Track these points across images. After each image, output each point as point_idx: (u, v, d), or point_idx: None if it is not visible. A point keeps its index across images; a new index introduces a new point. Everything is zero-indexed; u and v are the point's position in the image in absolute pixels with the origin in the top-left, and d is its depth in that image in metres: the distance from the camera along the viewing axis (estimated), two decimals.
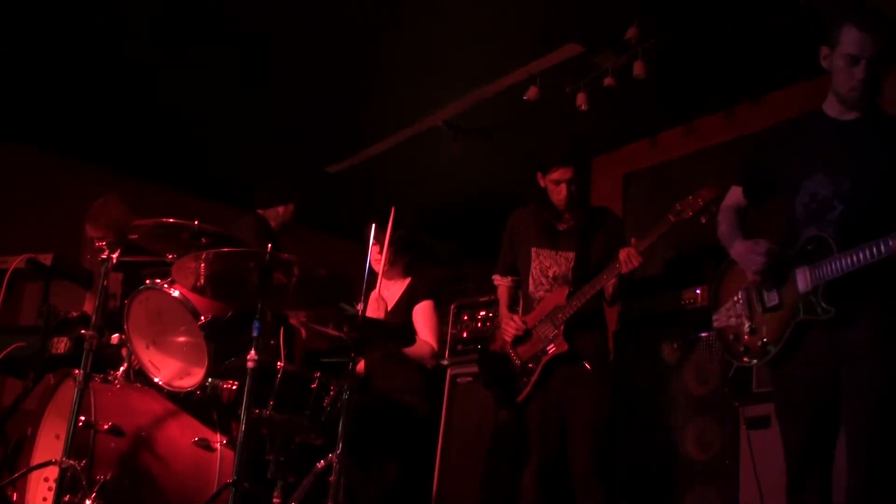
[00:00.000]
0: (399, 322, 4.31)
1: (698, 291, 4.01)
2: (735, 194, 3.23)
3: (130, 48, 5.33)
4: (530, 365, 3.87)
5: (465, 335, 5.22)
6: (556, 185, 3.89)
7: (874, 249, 2.68)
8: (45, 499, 3.48)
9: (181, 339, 3.64)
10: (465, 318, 5.26)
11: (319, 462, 3.30)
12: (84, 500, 3.14)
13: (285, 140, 6.43)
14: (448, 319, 5.28)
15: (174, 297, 3.49)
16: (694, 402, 4.14)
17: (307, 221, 7.00)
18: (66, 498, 3.14)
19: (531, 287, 3.99)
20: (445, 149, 6.12)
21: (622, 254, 3.63)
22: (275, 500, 3.39)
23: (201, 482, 3.46)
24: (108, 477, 3.25)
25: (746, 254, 3.00)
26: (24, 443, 3.64)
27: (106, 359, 3.69)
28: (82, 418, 3.24)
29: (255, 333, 3.10)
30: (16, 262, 4.55)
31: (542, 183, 3.95)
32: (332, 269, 3.25)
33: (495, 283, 4.24)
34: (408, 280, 4.47)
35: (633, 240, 3.65)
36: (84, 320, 4.12)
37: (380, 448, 4.11)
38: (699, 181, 3.57)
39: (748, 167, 3.21)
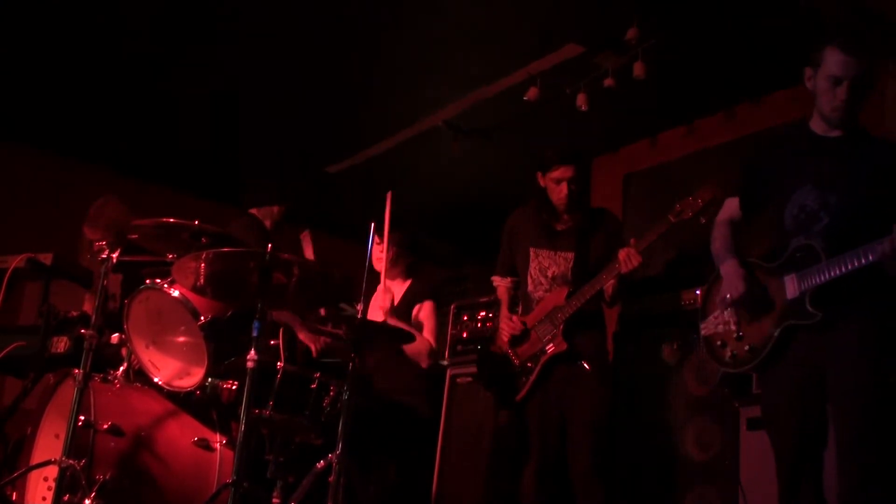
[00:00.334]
0: (400, 322, 4.31)
1: (698, 292, 3.97)
2: (730, 207, 3.29)
3: (130, 48, 5.33)
4: (529, 364, 3.87)
5: (464, 335, 5.21)
6: (557, 183, 3.89)
7: (861, 256, 2.76)
8: (44, 498, 3.48)
9: (181, 338, 3.64)
10: (465, 318, 5.25)
11: (319, 462, 3.30)
12: (83, 500, 3.14)
13: (285, 140, 6.42)
14: (448, 320, 5.28)
15: (174, 297, 3.50)
16: (694, 403, 4.14)
17: (307, 221, 7.01)
18: (66, 497, 3.14)
19: (530, 287, 3.99)
20: (445, 149, 6.12)
21: (621, 254, 3.63)
22: (274, 501, 3.39)
23: (201, 482, 3.46)
24: (107, 477, 3.25)
25: (733, 277, 3.08)
26: (24, 442, 3.64)
27: (106, 358, 3.69)
28: (82, 418, 3.24)
29: (254, 333, 3.10)
30: (16, 261, 4.55)
31: (541, 182, 3.95)
32: (331, 269, 3.25)
33: (494, 283, 4.24)
34: (409, 282, 4.47)
35: (632, 240, 3.65)
36: (84, 320, 4.12)
37: (379, 448, 4.11)
38: (699, 181, 3.57)
39: (745, 180, 3.27)
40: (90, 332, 3.32)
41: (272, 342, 3.69)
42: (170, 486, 3.42)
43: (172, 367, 3.61)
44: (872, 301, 2.87)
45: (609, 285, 3.77)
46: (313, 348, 4.04)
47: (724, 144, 5.52)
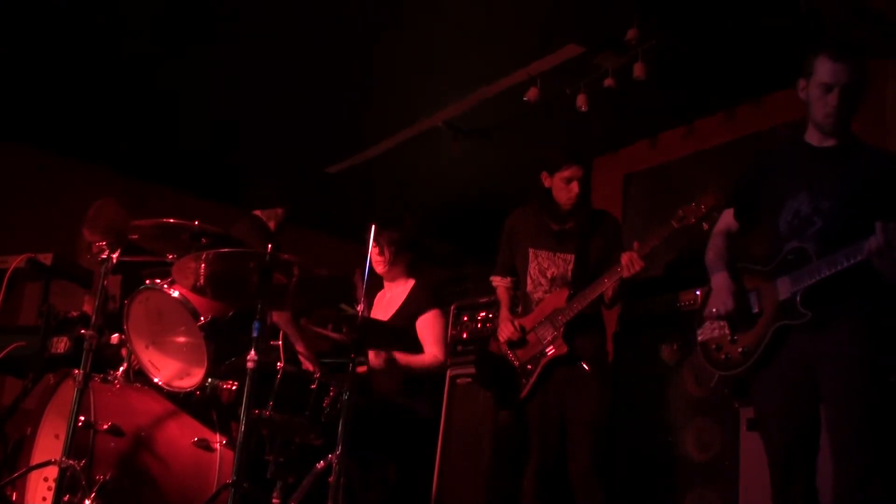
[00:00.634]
0: (400, 325, 4.30)
1: (698, 293, 3.98)
2: (727, 218, 3.34)
3: (130, 48, 5.33)
4: (529, 366, 3.87)
5: (464, 336, 5.21)
6: (567, 183, 3.88)
7: (849, 256, 2.80)
8: (44, 498, 3.48)
9: (181, 339, 3.64)
10: (465, 318, 5.25)
11: (319, 463, 3.30)
12: (83, 500, 3.14)
13: (285, 140, 6.42)
14: (448, 320, 5.27)
15: (174, 298, 3.50)
16: (694, 403, 4.14)
17: (307, 222, 7.03)
18: (66, 498, 3.14)
19: (529, 287, 3.99)
20: (445, 149, 6.12)
21: (624, 258, 3.62)
22: (274, 501, 3.38)
23: (201, 482, 3.46)
24: (107, 477, 3.25)
25: (722, 290, 3.12)
26: (24, 442, 3.64)
27: (105, 359, 3.69)
28: (82, 418, 3.24)
29: (254, 334, 3.10)
30: (16, 261, 4.55)
31: (546, 182, 3.94)
32: (331, 269, 3.25)
33: (494, 283, 4.24)
34: (411, 283, 4.45)
35: (635, 244, 3.64)
36: (84, 320, 4.12)
37: (379, 449, 4.11)
38: (699, 182, 3.60)
39: (739, 190, 3.31)
40: (90, 332, 3.32)
41: (272, 342, 3.69)
42: (170, 486, 3.42)
43: (172, 367, 3.61)
44: (864, 301, 2.90)
45: (609, 288, 3.77)
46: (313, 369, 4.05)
47: (724, 145, 5.52)
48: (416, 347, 4.23)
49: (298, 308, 3.79)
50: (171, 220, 3.39)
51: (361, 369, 4.15)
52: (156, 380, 3.57)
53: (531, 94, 5.20)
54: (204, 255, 3.11)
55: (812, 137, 3.13)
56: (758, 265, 3.13)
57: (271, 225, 4.71)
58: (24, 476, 3.47)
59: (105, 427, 3.32)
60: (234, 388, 3.44)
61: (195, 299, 3.47)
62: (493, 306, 4.91)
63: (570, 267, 3.91)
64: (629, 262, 3.61)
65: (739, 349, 3.07)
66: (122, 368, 3.65)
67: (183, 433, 3.56)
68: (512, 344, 3.94)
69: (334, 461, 3.23)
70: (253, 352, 3.07)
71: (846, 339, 2.86)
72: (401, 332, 4.16)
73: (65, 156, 6.78)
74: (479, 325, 5.17)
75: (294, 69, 5.46)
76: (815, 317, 2.88)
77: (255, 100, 5.88)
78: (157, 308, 3.63)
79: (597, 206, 4.21)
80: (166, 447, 3.47)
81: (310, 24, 5.00)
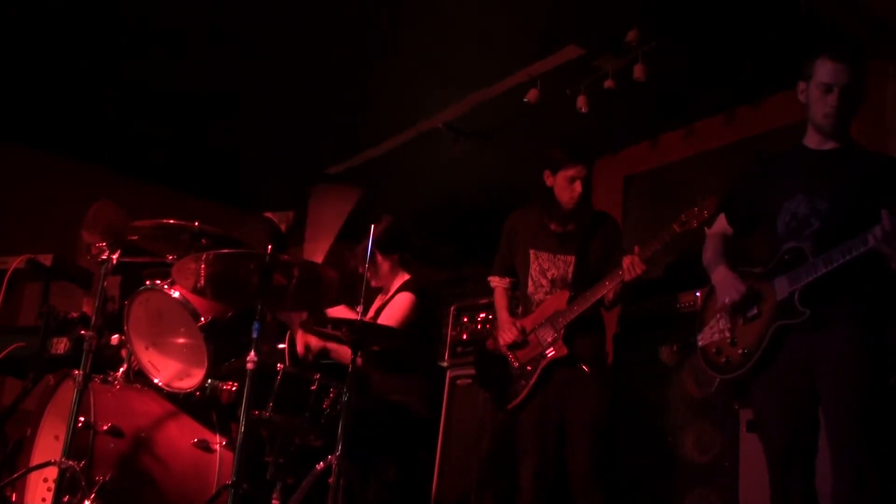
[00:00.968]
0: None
1: (697, 294, 4.00)
2: (722, 222, 3.36)
3: (130, 49, 5.33)
4: (529, 368, 3.87)
5: (464, 337, 5.21)
6: (571, 182, 3.87)
7: (846, 251, 2.81)
8: (44, 499, 3.48)
9: (181, 340, 3.64)
10: (465, 320, 5.25)
11: (319, 463, 3.30)
12: (83, 501, 3.14)
13: (285, 141, 6.43)
14: (447, 321, 5.28)
15: (174, 298, 3.50)
16: (693, 405, 4.14)
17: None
18: (66, 498, 3.14)
19: (530, 288, 3.99)
20: (445, 151, 6.12)
21: (625, 261, 3.62)
22: (274, 502, 3.39)
23: (200, 483, 3.46)
24: (107, 478, 3.25)
25: (727, 282, 3.14)
26: (24, 443, 3.65)
27: (105, 359, 3.69)
28: (82, 419, 3.25)
29: (254, 335, 3.10)
30: (16, 262, 4.55)
31: (549, 181, 3.94)
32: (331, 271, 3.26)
33: (492, 284, 4.24)
34: (404, 278, 4.44)
35: (636, 247, 3.63)
36: (84, 321, 4.12)
37: (379, 449, 4.11)
38: (699, 184, 3.60)
39: (731, 195, 3.33)
40: (90, 333, 3.32)
41: (280, 346, 3.70)
42: (169, 487, 3.42)
43: (172, 368, 3.61)
44: (862, 301, 2.91)
45: (610, 290, 3.77)
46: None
47: (723, 147, 5.52)
48: (414, 345, 4.21)
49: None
50: (172, 221, 3.39)
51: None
52: (156, 381, 3.57)
53: (531, 95, 5.20)
54: (204, 256, 3.11)
55: (810, 140, 3.14)
56: (756, 267, 3.13)
57: (282, 227, 4.73)
58: (23, 477, 3.47)
59: (105, 428, 3.33)
60: (233, 389, 3.45)
61: (195, 300, 3.48)
62: (493, 308, 4.91)
63: (571, 269, 3.91)
64: (630, 266, 3.60)
65: (740, 351, 3.07)
66: (121, 369, 3.65)
67: (183, 434, 3.56)
68: (512, 345, 3.94)
69: (334, 462, 3.23)
70: (253, 353, 3.07)
71: (845, 341, 2.86)
72: (399, 332, 4.16)
73: (65, 157, 6.78)
74: (478, 327, 5.17)
75: (294, 70, 5.46)
76: (814, 315, 2.88)
77: (255, 101, 5.88)
78: (158, 309, 3.63)
79: (597, 207, 4.21)
80: (166, 448, 3.47)
81: (310, 25, 5.00)
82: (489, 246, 4.36)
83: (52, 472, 3.27)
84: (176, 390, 3.56)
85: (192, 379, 3.54)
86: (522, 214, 4.13)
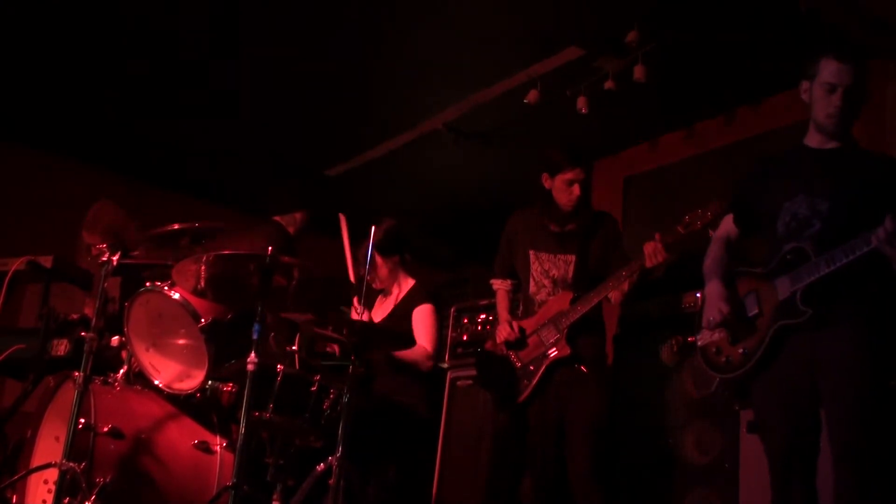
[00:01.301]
0: (397, 324, 4.30)
1: (698, 295, 4.00)
2: (727, 224, 3.33)
3: (131, 50, 5.34)
4: (531, 367, 3.87)
5: (464, 338, 5.21)
6: (569, 185, 3.89)
7: (848, 251, 2.80)
8: (44, 501, 3.48)
9: (181, 341, 3.64)
10: (465, 321, 5.25)
11: (319, 465, 3.29)
12: (83, 503, 3.14)
13: (285, 143, 6.43)
14: (448, 323, 5.28)
15: (174, 300, 3.50)
16: (693, 405, 4.13)
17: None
18: (66, 500, 3.14)
19: (532, 289, 3.99)
20: (446, 152, 6.13)
21: (647, 248, 3.62)
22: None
23: (201, 485, 3.46)
24: (107, 479, 3.25)
25: (714, 298, 3.11)
26: (24, 445, 3.64)
27: (106, 361, 3.69)
28: (82, 420, 3.24)
29: (254, 336, 3.10)
30: (16, 263, 4.55)
31: (547, 184, 3.95)
32: (331, 272, 3.26)
33: (494, 287, 4.24)
34: (410, 283, 4.46)
35: (657, 234, 3.64)
36: (84, 322, 4.12)
37: (380, 451, 4.11)
38: (699, 185, 3.59)
39: (738, 195, 3.31)
40: (90, 334, 3.32)
41: (289, 348, 3.70)
42: (170, 488, 3.42)
43: (173, 369, 3.61)
44: (864, 302, 2.90)
45: (624, 286, 3.77)
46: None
47: (724, 147, 5.52)
48: (411, 345, 4.22)
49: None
50: (176, 226, 3.40)
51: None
52: (156, 382, 3.57)
53: (531, 96, 5.21)
54: (204, 258, 3.11)
55: (812, 140, 3.13)
56: (757, 268, 3.13)
57: (290, 230, 4.74)
58: (24, 479, 3.47)
59: (105, 429, 3.32)
60: (234, 390, 3.45)
61: (195, 301, 3.48)
62: (494, 309, 4.91)
63: (571, 268, 3.92)
64: (653, 252, 3.61)
65: (740, 350, 3.06)
66: (122, 371, 3.65)
67: (183, 435, 3.55)
68: (513, 345, 3.94)
69: (334, 463, 3.23)
70: (253, 354, 3.07)
71: (847, 341, 2.85)
72: (398, 334, 4.16)
73: (65, 157, 6.78)
74: (479, 328, 5.17)
75: (294, 72, 5.47)
76: (816, 315, 2.87)
77: (255, 102, 5.89)
78: (158, 310, 3.63)
79: (597, 208, 4.21)
80: (166, 449, 3.47)
81: (310, 27, 5.00)
82: (489, 247, 4.36)
83: (52, 474, 3.27)
84: (176, 392, 3.56)
85: (192, 380, 3.54)
86: (522, 216, 4.13)
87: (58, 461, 3.16)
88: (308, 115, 5.97)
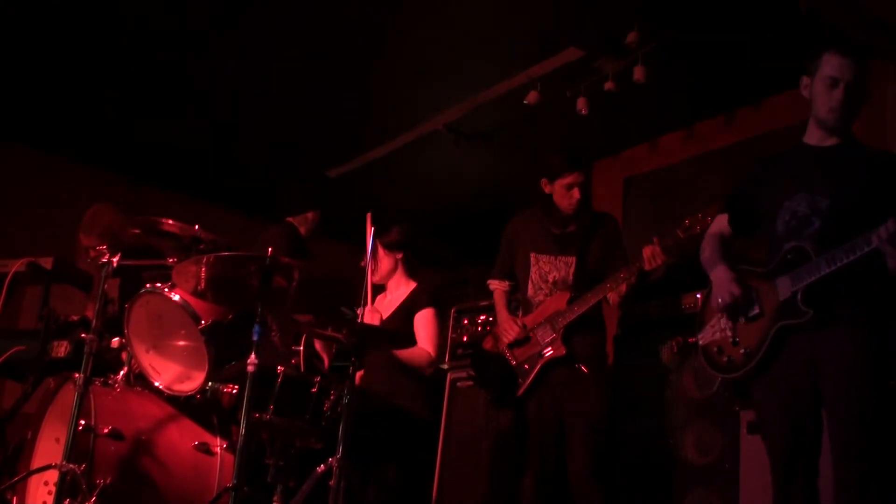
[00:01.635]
0: (398, 327, 4.30)
1: (698, 296, 4.00)
2: (720, 222, 3.33)
3: (131, 51, 5.33)
4: (526, 366, 3.88)
5: (465, 339, 5.21)
6: (568, 189, 3.89)
7: (849, 251, 2.79)
8: (44, 502, 3.47)
9: (181, 342, 3.64)
10: (465, 322, 5.25)
11: (319, 466, 3.29)
12: None
13: (285, 143, 6.43)
14: (448, 323, 5.28)
15: (175, 301, 3.50)
16: (694, 406, 4.13)
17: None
18: (66, 502, 3.14)
19: (530, 291, 3.99)
20: (446, 152, 6.12)
21: (646, 251, 3.63)
22: None
23: (201, 486, 3.46)
24: (107, 481, 3.25)
25: (724, 282, 3.09)
26: (24, 446, 3.64)
27: (106, 362, 3.69)
28: (82, 422, 3.25)
29: (255, 337, 3.10)
30: (16, 265, 4.56)
31: (547, 190, 3.95)
32: (331, 273, 3.26)
33: (491, 287, 4.25)
34: (412, 285, 4.45)
35: (655, 238, 3.64)
36: (84, 324, 4.12)
37: (380, 452, 4.11)
38: (699, 185, 3.59)
39: (734, 196, 3.31)
40: (90, 336, 3.32)
41: (294, 347, 3.70)
42: (170, 490, 3.42)
43: (173, 371, 3.61)
44: (865, 302, 2.89)
45: (622, 289, 3.77)
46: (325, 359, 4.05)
47: (724, 148, 5.52)
48: (411, 345, 4.21)
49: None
50: (174, 226, 3.40)
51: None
52: (156, 383, 3.57)
53: (531, 97, 5.20)
54: (204, 259, 3.11)
55: (811, 137, 3.12)
56: (757, 267, 3.12)
57: (302, 230, 4.74)
58: (24, 480, 3.47)
59: (105, 431, 3.32)
60: (234, 391, 3.45)
61: (196, 303, 3.48)
62: (493, 310, 4.92)
63: (572, 269, 3.92)
64: (651, 256, 3.61)
65: (741, 350, 3.05)
66: (122, 372, 3.65)
67: (183, 437, 3.55)
68: (511, 344, 3.94)
69: (334, 465, 3.22)
70: (253, 355, 3.07)
71: (847, 342, 2.85)
72: (399, 335, 4.16)
73: (65, 158, 6.77)
74: (478, 329, 5.17)
75: (295, 72, 5.46)
76: (817, 316, 2.86)
77: (256, 103, 5.88)
78: (158, 312, 3.63)
79: (597, 209, 4.21)
80: (167, 451, 3.47)
81: (310, 27, 5.00)
82: (489, 247, 4.36)
83: (52, 476, 3.27)
84: (177, 393, 3.56)
85: (192, 382, 3.54)
86: (523, 218, 4.14)
87: (58, 463, 3.17)
88: (308, 115, 5.97)
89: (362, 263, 4.18)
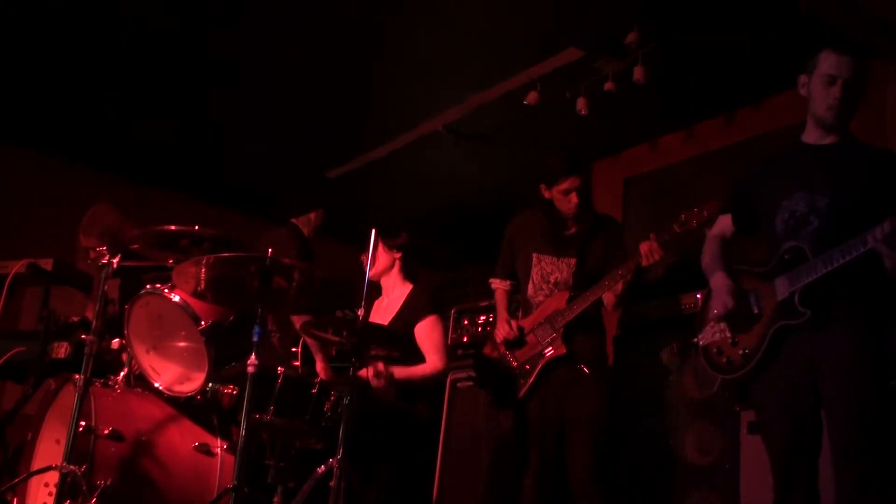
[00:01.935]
0: (398, 330, 4.30)
1: (698, 296, 4.00)
2: (723, 223, 3.34)
3: (131, 51, 5.33)
4: (527, 366, 3.88)
5: (465, 340, 5.21)
6: (566, 194, 3.89)
7: (846, 252, 2.79)
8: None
9: (182, 343, 3.64)
10: (466, 322, 5.25)
11: (320, 467, 3.29)
12: None
13: (285, 144, 6.42)
14: (448, 324, 5.28)
15: (175, 302, 3.50)
16: (694, 406, 4.14)
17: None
18: (67, 503, 3.14)
19: (531, 292, 3.99)
20: (446, 153, 6.12)
21: (643, 247, 3.63)
22: None
23: (201, 487, 3.46)
24: (108, 482, 3.25)
25: (721, 290, 3.11)
26: (25, 448, 3.64)
27: (106, 363, 3.69)
28: (82, 423, 3.24)
29: (255, 338, 3.10)
30: (16, 266, 4.56)
31: (546, 194, 3.95)
32: (331, 273, 3.25)
33: (493, 286, 4.25)
34: (408, 288, 4.44)
35: (652, 234, 3.64)
36: (84, 325, 4.12)
37: (380, 452, 4.11)
38: (699, 185, 3.59)
39: (736, 196, 3.31)
40: (91, 337, 3.32)
41: (293, 349, 3.70)
42: (170, 491, 3.42)
43: (173, 372, 3.61)
44: (863, 302, 2.89)
45: (617, 288, 3.77)
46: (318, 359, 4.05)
47: (724, 148, 5.52)
48: (415, 352, 4.21)
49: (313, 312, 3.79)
50: (172, 228, 3.40)
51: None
52: (156, 384, 3.57)
53: (531, 97, 5.20)
54: (204, 260, 3.11)
55: (810, 136, 3.12)
56: (756, 267, 3.12)
57: (305, 231, 4.74)
58: (24, 481, 3.47)
59: (106, 432, 3.32)
60: (234, 392, 3.45)
61: (196, 304, 3.47)
62: (494, 310, 4.92)
63: (573, 271, 3.92)
64: (648, 251, 3.61)
65: (741, 351, 3.06)
66: (122, 373, 3.65)
67: (183, 438, 3.55)
68: (510, 344, 3.95)
69: (335, 465, 3.22)
70: (253, 356, 3.07)
71: (846, 342, 2.85)
72: (399, 336, 4.16)
73: (66, 160, 6.77)
74: (479, 329, 5.17)
75: (295, 73, 5.46)
76: (815, 316, 2.87)
77: (255, 103, 5.88)
78: (158, 312, 3.63)
79: (597, 209, 4.21)
80: (167, 452, 3.47)
81: (310, 28, 5.00)
82: (489, 247, 4.36)
83: (53, 477, 3.27)
84: (177, 394, 3.56)
85: (192, 383, 3.53)
86: (524, 218, 4.14)
87: (58, 464, 3.16)
88: (308, 115, 5.97)
89: (363, 262, 4.18)
